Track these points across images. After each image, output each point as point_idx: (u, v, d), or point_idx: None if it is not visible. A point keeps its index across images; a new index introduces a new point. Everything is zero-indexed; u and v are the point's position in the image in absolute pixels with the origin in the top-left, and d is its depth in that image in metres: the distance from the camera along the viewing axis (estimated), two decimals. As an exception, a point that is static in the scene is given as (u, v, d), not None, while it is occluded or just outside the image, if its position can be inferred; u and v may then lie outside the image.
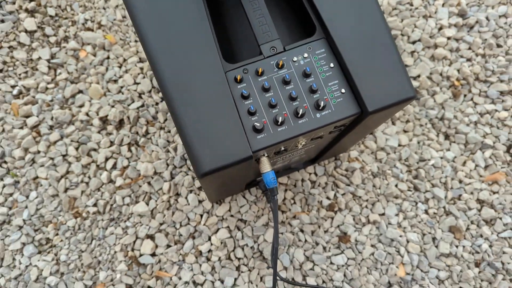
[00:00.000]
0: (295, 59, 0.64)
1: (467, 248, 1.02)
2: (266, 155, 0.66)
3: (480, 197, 1.04)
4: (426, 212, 1.03)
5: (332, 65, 0.64)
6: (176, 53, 0.61)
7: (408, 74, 0.66)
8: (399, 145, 1.06)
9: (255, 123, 0.61)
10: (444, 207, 1.04)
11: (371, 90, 0.62)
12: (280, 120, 0.61)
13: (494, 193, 1.05)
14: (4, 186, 1.01)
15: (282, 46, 0.64)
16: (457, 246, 1.02)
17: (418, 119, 1.08)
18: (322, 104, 0.62)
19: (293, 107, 0.63)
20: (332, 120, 0.63)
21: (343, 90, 0.63)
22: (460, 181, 1.05)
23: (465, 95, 1.10)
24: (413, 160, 1.05)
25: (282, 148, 0.68)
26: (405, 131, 1.07)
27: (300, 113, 0.62)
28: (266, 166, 0.67)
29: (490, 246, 1.02)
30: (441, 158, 1.06)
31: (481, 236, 1.03)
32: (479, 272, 1.00)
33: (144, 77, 1.07)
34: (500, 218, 1.04)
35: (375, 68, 0.63)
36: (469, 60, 1.12)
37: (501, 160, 1.07)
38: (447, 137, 1.08)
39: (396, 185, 1.04)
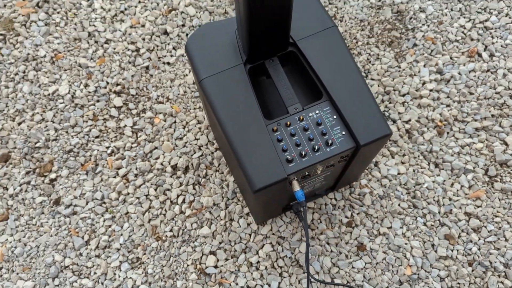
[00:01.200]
0: (310, 114, 0.99)
1: (461, 251, 1.29)
2: (295, 178, 1.00)
3: (467, 210, 1.33)
4: (424, 224, 1.32)
5: (335, 117, 0.99)
6: (236, 117, 0.97)
7: (385, 119, 1.00)
8: (398, 173, 1.38)
9: (287, 156, 0.96)
10: (439, 220, 1.33)
11: (361, 132, 0.96)
12: (303, 154, 0.96)
13: (478, 207, 1.34)
14: (104, 220, 1.37)
15: (302, 106, 1.00)
16: (452, 250, 1.30)
17: (412, 152, 1.40)
18: (330, 142, 0.97)
19: (311, 145, 0.97)
20: (338, 152, 0.97)
21: (343, 132, 0.98)
22: (450, 199, 1.35)
23: (447, 133, 1.42)
24: (411, 184, 1.36)
25: (306, 173, 1.02)
26: (402, 163, 1.39)
27: (316, 148, 0.96)
28: (296, 186, 1.01)
29: (479, 249, 1.29)
30: (433, 182, 1.37)
31: (471, 241, 1.30)
32: (472, 270, 1.27)
33: (202, 134, 1.44)
34: (485, 226, 1.31)
35: (362, 117, 0.97)
36: (448, 106, 1.45)
37: (481, 181, 1.36)
38: (436, 165, 1.39)
39: (398, 204, 1.34)
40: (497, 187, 1.35)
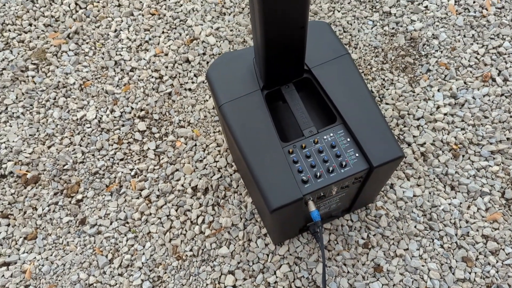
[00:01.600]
0: (325, 137, 1.04)
1: (478, 274, 1.29)
2: (311, 198, 1.04)
3: (484, 233, 1.33)
4: (441, 246, 1.33)
5: (348, 139, 1.03)
6: (253, 139, 1.02)
7: (397, 142, 1.03)
8: (414, 196, 1.40)
9: (303, 177, 1.00)
10: (456, 242, 1.33)
11: (374, 154, 1.00)
12: (318, 175, 1.00)
13: (495, 229, 1.34)
14: (127, 239, 1.42)
15: (316, 130, 1.05)
16: (470, 273, 1.30)
17: (427, 175, 1.42)
18: (344, 164, 1.00)
19: (326, 166, 1.01)
20: (352, 173, 1.01)
21: (357, 155, 1.02)
22: (467, 221, 1.36)
23: (463, 156, 1.44)
24: (427, 206, 1.38)
25: (322, 194, 1.05)
26: (418, 185, 1.41)
27: (331, 170, 1.00)
28: (312, 207, 1.04)
29: (497, 272, 1.29)
30: (449, 204, 1.38)
31: (489, 264, 1.30)
32: (491, 293, 1.27)
33: (221, 157, 1.50)
34: (503, 249, 1.31)
35: (375, 140, 1.01)
36: (463, 129, 1.47)
37: (498, 204, 1.37)
38: (452, 188, 1.41)
39: (415, 226, 1.36)
40: (514, 209, 1.35)
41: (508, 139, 1.44)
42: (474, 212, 1.37)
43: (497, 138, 1.44)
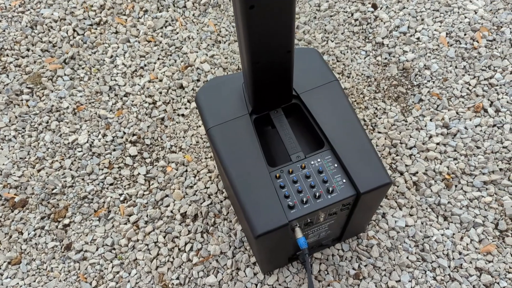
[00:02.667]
0: (312, 162, 1.03)
1: (473, 308, 1.25)
2: (298, 225, 1.02)
3: (478, 265, 1.30)
4: (434, 278, 1.30)
5: (336, 165, 1.02)
6: (240, 163, 1.01)
7: (385, 168, 1.02)
8: (406, 225, 1.37)
9: (289, 203, 0.98)
10: (449, 274, 1.30)
11: (362, 180, 0.99)
12: (304, 200, 0.98)
13: (489, 262, 1.31)
14: (113, 266, 1.38)
15: (304, 155, 1.04)
16: (463, 307, 1.26)
17: (420, 205, 1.40)
18: (331, 189, 0.99)
19: (313, 192, 1.00)
20: (339, 199, 0.99)
21: (344, 180, 1.00)
22: (460, 253, 1.32)
23: (455, 186, 1.42)
24: (419, 236, 1.35)
25: (309, 220, 1.03)
26: (410, 215, 1.39)
27: (318, 195, 0.98)
28: (299, 233, 1.02)
29: (492, 306, 1.25)
30: (442, 235, 1.35)
31: (483, 298, 1.26)
32: (486, 329, 1.22)
33: (212, 183, 1.48)
34: (497, 283, 1.28)
35: (363, 166, 1.00)
36: (455, 159, 1.46)
37: (491, 235, 1.34)
38: (445, 218, 1.38)
39: (407, 257, 1.32)
40: (509, 241, 1.32)
41: (500, 169, 1.43)
42: (467, 244, 1.34)
43: (490, 169, 1.43)
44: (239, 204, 1.00)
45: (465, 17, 1.73)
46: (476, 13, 1.74)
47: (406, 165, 1.46)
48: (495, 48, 1.66)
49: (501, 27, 1.70)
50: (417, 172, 1.45)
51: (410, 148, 1.50)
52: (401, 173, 1.45)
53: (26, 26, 1.84)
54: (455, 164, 1.45)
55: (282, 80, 1.01)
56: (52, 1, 1.90)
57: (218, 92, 1.12)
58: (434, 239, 1.34)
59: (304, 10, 1.84)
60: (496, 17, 1.73)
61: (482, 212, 1.37)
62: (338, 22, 1.79)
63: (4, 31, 1.84)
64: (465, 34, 1.69)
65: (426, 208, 1.40)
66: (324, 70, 1.12)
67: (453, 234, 1.35)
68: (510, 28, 1.69)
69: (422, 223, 1.37)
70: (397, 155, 1.49)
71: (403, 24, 1.75)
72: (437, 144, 1.49)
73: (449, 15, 1.75)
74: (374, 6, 1.80)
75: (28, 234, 1.44)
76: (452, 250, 1.33)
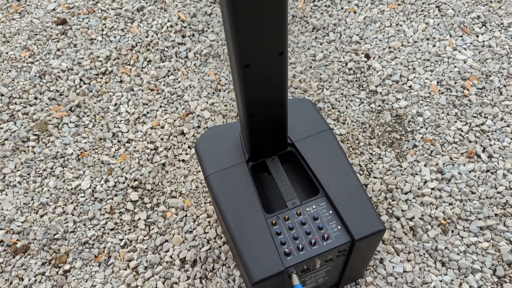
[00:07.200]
0: (308, 209, 1.06)
1: None
2: (294, 272, 1.03)
3: (477, 312, 1.30)
4: (433, 326, 1.29)
5: (331, 212, 1.05)
6: (237, 210, 1.04)
7: (379, 215, 1.05)
8: (404, 271, 1.38)
9: (285, 250, 1.00)
10: (448, 322, 1.29)
11: (356, 227, 1.01)
12: (300, 247, 1.00)
13: (488, 308, 1.30)
14: (111, 313, 1.38)
15: (299, 201, 1.07)
16: None
17: (417, 250, 1.41)
18: (326, 236, 1.01)
19: (308, 239, 1.02)
20: (334, 246, 1.01)
21: (339, 227, 1.03)
22: (459, 299, 1.32)
23: (452, 231, 1.44)
24: (417, 283, 1.35)
25: (305, 267, 1.05)
26: (408, 260, 1.40)
27: (313, 242, 1.01)
28: (296, 280, 1.03)
29: None
30: (440, 281, 1.36)
31: None
32: None
33: (211, 228, 1.50)
34: (498, 330, 1.27)
35: (357, 213, 1.03)
36: (450, 204, 1.49)
37: (490, 282, 1.34)
38: (443, 264, 1.39)
39: (405, 304, 1.32)
40: None
41: (496, 215, 1.45)
42: (466, 290, 1.34)
43: (485, 214, 1.45)
44: (236, 251, 1.02)
45: (455, 67, 1.81)
46: (465, 62, 1.82)
47: (402, 210, 1.49)
48: (485, 96, 1.72)
49: (490, 75, 1.77)
50: (413, 217, 1.47)
51: (406, 193, 1.52)
52: (398, 218, 1.47)
53: (35, 75, 1.92)
54: (451, 209, 1.47)
55: (277, 130, 1.05)
56: (61, 53, 2.00)
57: (217, 140, 1.17)
58: (432, 285, 1.34)
59: (300, 60, 1.92)
60: (485, 66, 1.80)
61: (479, 257, 1.38)
62: (332, 71, 1.87)
63: (13, 80, 1.92)
64: (455, 83, 1.76)
65: (424, 254, 1.41)
66: (318, 119, 1.18)
67: (452, 280, 1.36)
68: (498, 77, 1.76)
69: (420, 269, 1.38)
70: (393, 200, 1.51)
71: (395, 73, 1.82)
72: (432, 189, 1.52)
73: (439, 65, 1.83)
74: (367, 56, 1.89)
75: (29, 280, 1.45)
76: (450, 296, 1.33)
